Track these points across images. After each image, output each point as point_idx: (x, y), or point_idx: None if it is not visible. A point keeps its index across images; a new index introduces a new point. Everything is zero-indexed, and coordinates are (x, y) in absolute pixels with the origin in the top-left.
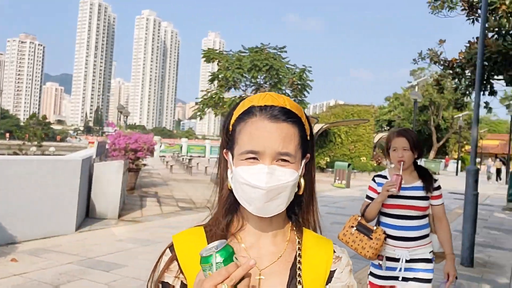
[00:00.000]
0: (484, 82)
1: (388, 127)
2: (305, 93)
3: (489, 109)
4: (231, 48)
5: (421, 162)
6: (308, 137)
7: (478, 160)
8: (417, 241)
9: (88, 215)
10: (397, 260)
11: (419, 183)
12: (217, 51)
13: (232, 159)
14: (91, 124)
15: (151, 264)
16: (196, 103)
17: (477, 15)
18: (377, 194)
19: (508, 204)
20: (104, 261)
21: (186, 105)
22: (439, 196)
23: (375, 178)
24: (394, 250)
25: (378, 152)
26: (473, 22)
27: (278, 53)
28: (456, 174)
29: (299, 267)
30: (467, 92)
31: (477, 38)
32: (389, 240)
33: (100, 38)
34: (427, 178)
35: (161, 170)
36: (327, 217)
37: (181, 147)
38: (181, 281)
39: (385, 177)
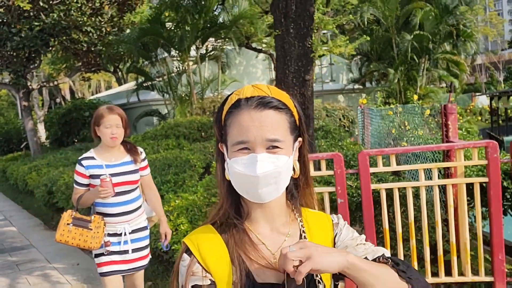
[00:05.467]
0: None
1: None
2: None
3: None
4: None
5: None
6: (298, 122)
7: None
8: (135, 213)
9: None
10: (119, 235)
11: (128, 158)
12: None
13: (227, 152)
14: None
15: None
16: None
17: None
18: (87, 179)
19: None
20: None
21: None
22: (146, 167)
23: (82, 162)
24: (115, 226)
25: None
26: None
27: None
28: None
29: None
30: None
31: None
32: (110, 219)
33: None
34: (133, 151)
35: None
36: None
37: None
38: (209, 279)
39: (92, 158)
